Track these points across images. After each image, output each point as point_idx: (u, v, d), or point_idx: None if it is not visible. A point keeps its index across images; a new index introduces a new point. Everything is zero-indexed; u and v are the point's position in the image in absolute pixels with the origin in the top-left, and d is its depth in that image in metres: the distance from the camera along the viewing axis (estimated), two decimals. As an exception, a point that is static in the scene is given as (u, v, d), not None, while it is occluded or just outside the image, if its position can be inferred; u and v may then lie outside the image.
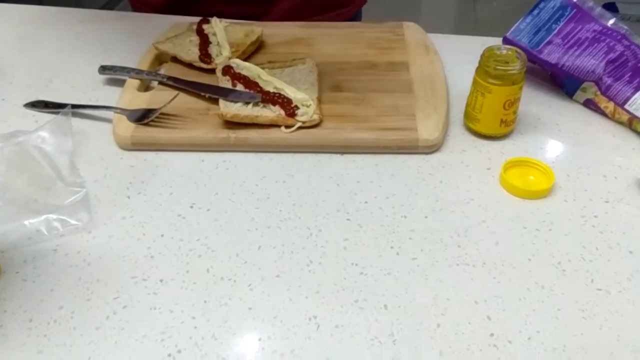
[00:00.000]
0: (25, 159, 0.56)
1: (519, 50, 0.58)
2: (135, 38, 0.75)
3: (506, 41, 0.66)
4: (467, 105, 0.61)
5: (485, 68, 0.57)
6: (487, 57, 0.57)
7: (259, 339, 0.42)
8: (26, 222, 0.50)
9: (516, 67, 0.56)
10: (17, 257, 0.48)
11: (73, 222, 0.51)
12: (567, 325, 0.43)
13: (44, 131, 0.59)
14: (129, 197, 0.54)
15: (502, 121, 0.59)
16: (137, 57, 0.71)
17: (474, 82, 0.59)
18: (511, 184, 0.54)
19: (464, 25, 2.37)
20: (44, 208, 0.51)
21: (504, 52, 0.58)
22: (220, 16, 0.74)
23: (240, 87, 0.64)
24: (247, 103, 0.61)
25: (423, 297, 0.45)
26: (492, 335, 0.43)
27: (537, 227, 0.51)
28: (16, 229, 0.50)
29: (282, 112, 0.60)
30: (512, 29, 0.67)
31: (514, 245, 0.50)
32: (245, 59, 0.69)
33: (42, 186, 0.54)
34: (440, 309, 0.44)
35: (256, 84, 0.63)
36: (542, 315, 0.44)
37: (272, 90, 0.62)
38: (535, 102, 0.66)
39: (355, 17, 0.90)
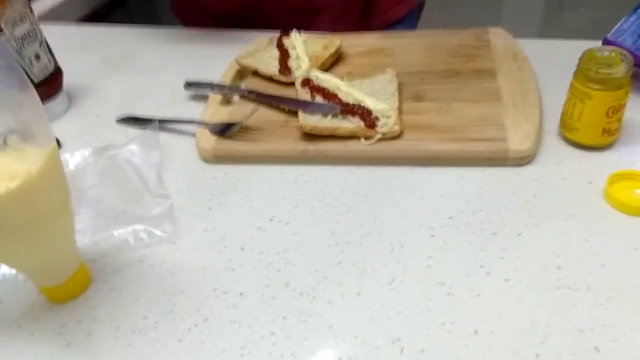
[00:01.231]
0: (116, 171, 0.59)
1: (624, 51, 0.53)
2: (218, 54, 0.77)
3: (607, 43, 0.61)
4: (564, 113, 0.56)
5: (585, 72, 0.52)
6: (587, 60, 0.52)
7: (339, 359, 0.40)
8: (115, 233, 0.52)
9: (621, 69, 0.51)
10: (106, 266, 0.50)
11: (158, 233, 0.52)
12: (693, 363, 0.38)
13: (134, 145, 0.61)
14: (210, 208, 0.55)
15: (604, 130, 0.54)
16: (219, 73, 0.72)
17: (572, 87, 0.54)
18: (618, 199, 0.49)
19: (550, 34, 2.24)
20: (131, 219, 0.53)
21: (606, 54, 0.53)
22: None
23: (319, 99, 0.63)
24: (326, 115, 0.60)
25: (519, 322, 0.41)
26: (601, 369, 0.38)
27: (651, 248, 0.45)
28: (106, 239, 0.52)
29: (362, 124, 0.58)
30: (613, 30, 0.61)
31: (624, 267, 0.44)
32: (325, 71, 0.68)
33: (131, 197, 0.55)
34: (539, 337, 0.40)
35: (335, 96, 0.62)
36: (662, 349, 0.39)
37: (351, 101, 0.61)
38: (642, 109, 0.59)
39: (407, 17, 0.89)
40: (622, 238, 0.47)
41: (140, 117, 0.68)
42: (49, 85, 0.71)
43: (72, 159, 0.62)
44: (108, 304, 0.46)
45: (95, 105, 0.73)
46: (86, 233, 0.52)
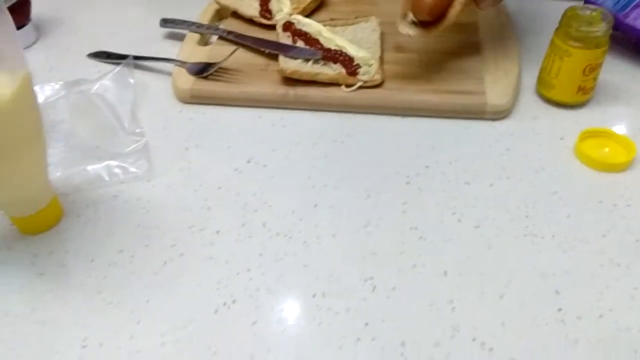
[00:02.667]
0: (89, 106, 0.57)
1: (605, 10, 0.53)
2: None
3: (589, 2, 0.61)
4: (542, 70, 0.57)
5: (567, 29, 0.52)
6: (569, 17, 0.53)
7: (314, 296, 0.42)
8: (88, 168, 0.51)
9: (601, 28, 0.52)
10: (80, 200, 0.49)
11: (133, 169, 0.51)
12: (643, 306, 0.40)
13: (107, 80, 0.59)
14: (187, 148, 0.54)
15: (579, 88, 0.55)
16: (198, 12, 0.70)
17: (552, 44, 0.55)
18: (587, 155, 0.51)
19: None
20: (105, 155, 0.52)
21: (588, 12, 0.53)
22: None
23: (300, 43, 0.62)
24: (307, 60, 0.59)
25: (486, 266, 0.43)
26: (560, 310, 0.40)
27: (614, 202, 0.47)
28: (79, 173, 0.51)
29: (343, 71, 0.58)
30: (596, -10, 0.62)
31: (588, 219, 0.46)
32: (307, 16, 0.67)
33: (104, 134, 0.54)
34: (504, 279, 0.42)
35: (317, 41, 0.61)
36: (617, 293, 0.41)
37: (333, 48, 0.60)
38: (616, 71, 0.61)
39: None
40: (589, 192, 0.49)
41: (113, 52, 0.66)
42: (16, 14, 0.66)
43: (41, 92, 0.59)
44: (81, 237, 0.46)
45: (65, 38, 0.70)
46: (58, 167, 0.51)
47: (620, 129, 0.54)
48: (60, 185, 0.50)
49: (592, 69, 0.54)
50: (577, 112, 0.56)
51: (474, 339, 0.39)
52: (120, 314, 0.41)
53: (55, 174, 0.50)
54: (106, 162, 0.51)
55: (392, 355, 0.38)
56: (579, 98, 0.56)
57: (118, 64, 0.62)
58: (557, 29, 0.54)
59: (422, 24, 0.53)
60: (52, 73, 0.64)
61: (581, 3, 0.62)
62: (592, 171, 0.50)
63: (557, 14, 0.54)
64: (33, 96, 0.41)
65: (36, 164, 0.43)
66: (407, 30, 0.53)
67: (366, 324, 0.40)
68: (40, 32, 0.71)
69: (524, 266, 0.43)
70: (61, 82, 0.60)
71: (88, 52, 0.66)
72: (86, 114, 0.56)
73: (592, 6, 0.55)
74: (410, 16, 0.53)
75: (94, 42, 0.68)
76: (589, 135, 0.52)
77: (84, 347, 0.39)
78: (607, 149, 0.52)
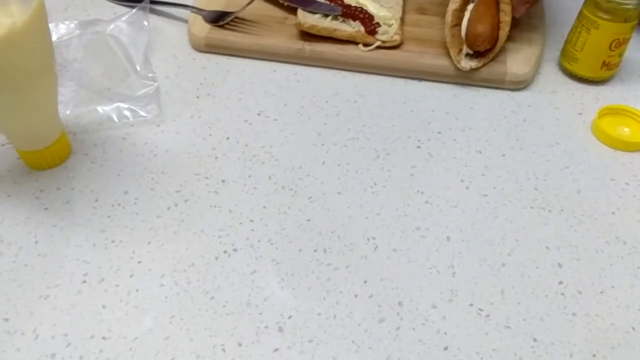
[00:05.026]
0: (102, 48, 0.56)
1: (639, -17, 0.51)
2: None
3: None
4: (567, 42, 0.55)
5: (596, 0, 0.50)
6: (600, -13, 0.51)
7: (315, 250, 0.42)
8: (99, 108, 0.51)
9: (632, 1, 0.50)
10: (88, 140, 0.49)
11: (143, 113, 0.51)
12: (646, 286, 0.40)
13: (122, 22, 0.58)
14: (198, 97, 0.54)
15: (604, 63, 0.53)
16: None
17: (580, 15, 0.53)
18: (604, 132, 0.49)
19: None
20: (116, 96, 0.52)
21: (621, -16, 0.51)
22: None
23: (320, -2, 0.60)
24: (327, 16, 0.58)
25: (490, 234, 0.43)
26: (560, 283, 0.40)
27: (627, 181, 0.47)
28: (88, 113, 0.50)
29: (362, 29, 0.56)
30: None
31: (598, 195, 0.45)
32: (329, -29, 0.65)
33: (116, 75, 0.54)
34: (507, 248, 0.42)
35: (338, -3, 0.60)
36: (620, 271, 0.41)
37: (353, 4, 0.59)
38: (644, 49, 0.59)
39: None
40: (602, 169, 0.48)
41: (130, -5, 0.64)
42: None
43: (56, 30, 0.58)
44: (88, 176, 0.46)
45: (82, -23, 0.69)
46: (68, 105, 0.51)
47: (641, 108, 0.52)
48: (70, 123, 0.49)
49: (619, 44, 0.52)
50: (598, 88, 0.55)
51: (471, 304, 0.39)
52: (121, 253, 0.41)
53: (65, 112, 0.50)
54: (116, 104, 0.51)
55: (389, 313, 0.38)
56: (602, 74, 0.54)
57: (134, 7, 0.61)
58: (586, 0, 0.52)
59: (478, 53, 0.54)
60: (67, 12, 0.63)
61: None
62: (607, 149, 0.49)
63: (589, -16, 0.52)
64: (45, 27, 0.40)
65: (46, 96, 0.43)
66: (468, 64, 0.53)
67: (365, 282, 0.40)
68: (57, -30, 0.70)
69: (529, 237, 0.43)
70: (76, 22, 0.59)
71: (104, -7, 0.65)
72: (99, 55, 0.55)
73: (626, -22, 0.53)
74: (466, 50, 0.53)
75: (111, -17, 0.67)
76: (607, 112, 0.51)
77: (83, 282, 0.39)
78: (625, 128, 0.51)
